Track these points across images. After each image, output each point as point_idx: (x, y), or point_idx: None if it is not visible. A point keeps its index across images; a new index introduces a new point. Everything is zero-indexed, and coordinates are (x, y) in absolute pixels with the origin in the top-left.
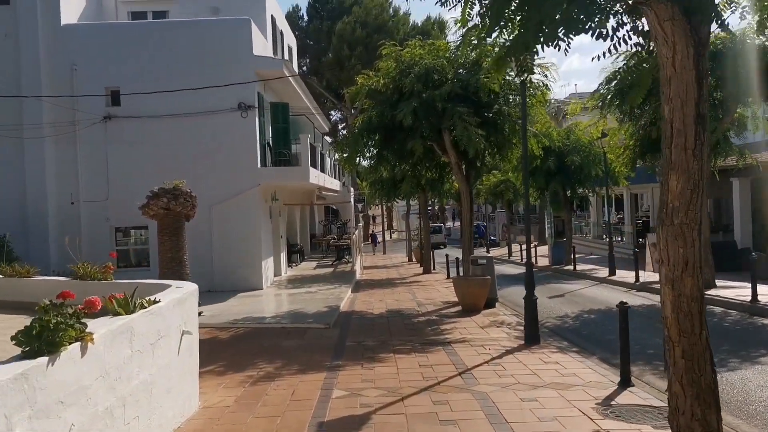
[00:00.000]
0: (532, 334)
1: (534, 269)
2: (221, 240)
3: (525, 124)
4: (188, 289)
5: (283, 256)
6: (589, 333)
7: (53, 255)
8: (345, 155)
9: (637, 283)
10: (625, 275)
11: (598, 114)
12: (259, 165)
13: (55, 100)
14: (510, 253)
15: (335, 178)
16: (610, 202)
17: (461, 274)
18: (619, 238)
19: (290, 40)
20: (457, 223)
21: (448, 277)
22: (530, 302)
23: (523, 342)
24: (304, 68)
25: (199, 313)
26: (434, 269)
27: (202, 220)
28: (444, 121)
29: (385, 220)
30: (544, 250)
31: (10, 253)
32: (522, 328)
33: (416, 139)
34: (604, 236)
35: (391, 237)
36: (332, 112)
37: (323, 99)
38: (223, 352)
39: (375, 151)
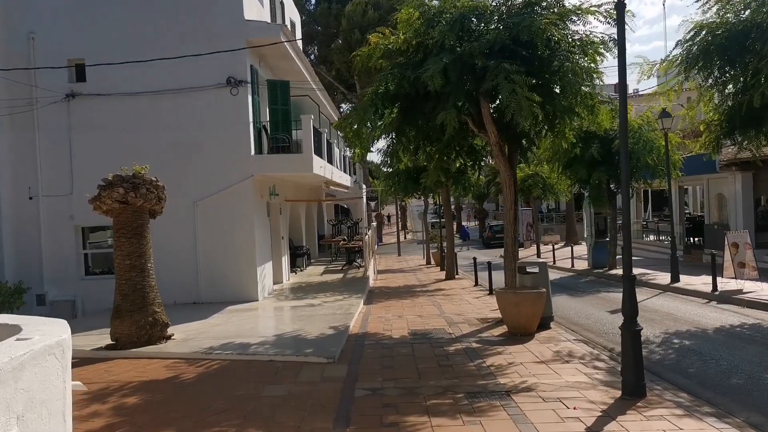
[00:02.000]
0: (635, 383)
1: (571, 273)
2: (208, 242)
3: (624, 69)
4: (39, 344)
5: (285, 261)
6: (699, 371)
7: (9, 261)
8: (352, 128)
9: (716, 293)
10: (692, 282)
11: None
12: (252, 152)
13: (9, 74)
14: (539, 255)
15: (345, 172)
16: (647, 198)
17: (495, 282)
18: (662, 238)
19: (293, 14)
20: (474, 223)
21: (476, 284)
22: (632, 337)
23: (619, 392)
24: (312, 57)
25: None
26: (457, 274)
27: (186, 219)
28: (484, 84)
29: (399, 219)
30: (578, 251)
31: None
32: (601, 362)
33: (448, 109)
34: (645, 236)
35: (405, 237)
36: (342, 105)
37: (333, 91)
38: (174, 409)
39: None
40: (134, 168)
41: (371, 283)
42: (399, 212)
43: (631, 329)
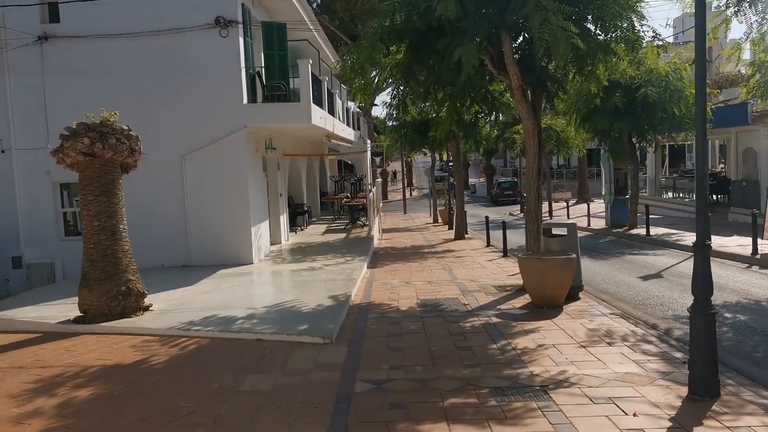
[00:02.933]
0: (708, 380)
1: (588, 233)
2: (198, 200)
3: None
4: None
5: (284, 220)
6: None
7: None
8: (355, 66)
9: (757, 257)
10: (725, 243)
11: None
12: (245, 100)
13: None
14: (551, 213)
15: (349, 126)
16: (662, 152)
17: (510, 242)
18: (681, 195)
19: None
20: (481, 179)
21: (488, 244)
22: (706, 323)
23: (684, 389)
24: (314, 5)
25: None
26: (467, 234)
27: (173, 174)
28: (508, 14)
29: (405, 176)
30: (593, 209)
31: None
32: (649, 345)
33: (466, 44)
34: (664, 193)
35: (411, 195)
36: (346, 57)
37: (336, 42)
38: (130, 408)
39: (396, 75)
40: (102, 115)
41: (376, 243)
42: (404, 168)
43: (705, 312)
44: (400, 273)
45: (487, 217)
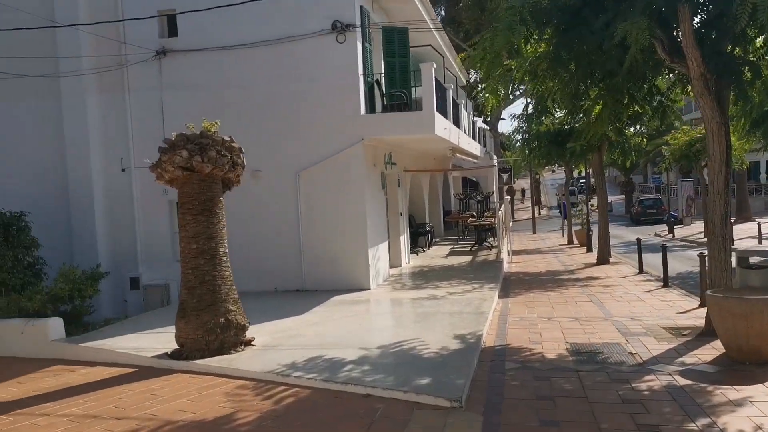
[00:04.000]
0: None
1: None
2: (312, 220)
3: None
4: None
5: (404, 241)
6: None
7: (102, 241)
8: (489, 54)
9: None
10: None
11: None
12: (363, 110)
13: (96, 29)
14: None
15: (475, 140)
16: None
17: (673, 273)
18: None
19: None
20: (618, 196)
21: (641, 271)
22: None
23: None
24: (438, 17)
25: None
26: (611, 258)
27: (287, 192)
28: None
29: (533, 194)
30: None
31: (27, 243)
32: None
33: (634, 19)
34: None
35: (540, 213)
36: (472, 72)
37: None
38: None
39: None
40: (203, 125)
41: (506, 267)
42: (533, 185)
43: None
44: (539, 305)
45: (639, 240)
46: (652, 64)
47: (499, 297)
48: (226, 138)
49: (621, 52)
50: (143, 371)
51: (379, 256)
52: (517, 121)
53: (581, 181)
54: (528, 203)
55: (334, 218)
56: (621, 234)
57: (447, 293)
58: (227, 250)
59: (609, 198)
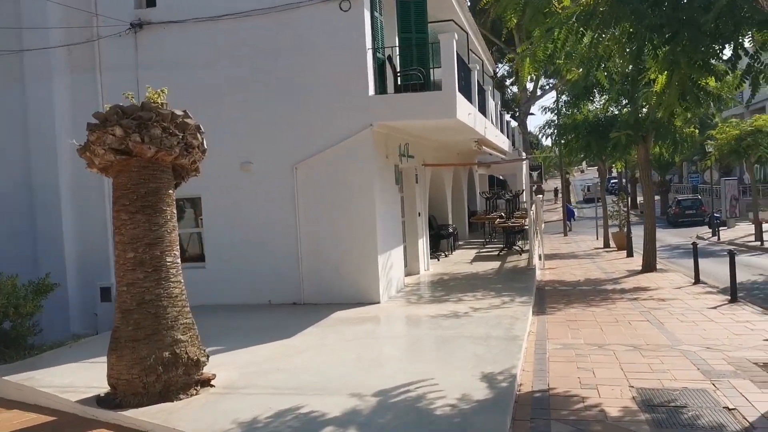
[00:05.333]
0: None
1: None
2: (311, 221)
3: None
4: None
5: (423, 245)
6: None
7: (70, 248)
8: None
9: None
10: None
11: None
12: (371, 91)
13: (65, 0)
14: (761, 238)
15: (503, 134)
16: None
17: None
18: None
19: None
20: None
21: (697, 281)
22: None
23: None
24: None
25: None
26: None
27: (282, 188)
28: None
29: (562, 194)
30: None
31: None
32: None
33: None
34: None
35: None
36: (498, 65)
37: (489, 46)
38: None
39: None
40: (147, 94)
41: (538, 274)
42: (564, 185)
43: None
44: (584, 326)
45: (695, 244)
46: (745, 13)
47: (534, 314)
48: (178, 112)
49: None
50: (61, 422)
51: (391, 264)
52: (549, 113)
53: (612, 181)
54: (558, 203)
55: (338, 218)
56: (660, 237)
57: (471, 309)
58: (178, 260)
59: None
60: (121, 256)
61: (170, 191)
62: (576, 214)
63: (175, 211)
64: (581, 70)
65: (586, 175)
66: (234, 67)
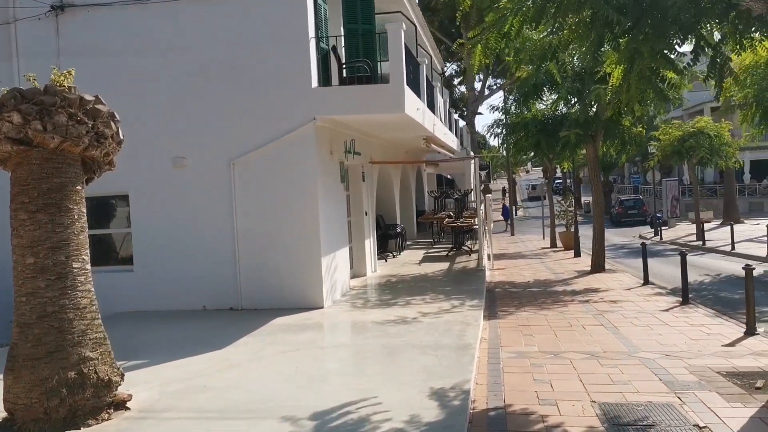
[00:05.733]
0: None
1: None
2: (250, 220)
3: None
4: None
5: (370, 245)
6: None
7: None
8: None
9: None
10: None
11: None
12: (314, 83)
13: None
14: (703, 238)
15: (451, 131)
16: None
17: (667, 276)
18: None
19: None
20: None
21: (647, 281)
22: None
23: None
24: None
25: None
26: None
27: (218, 186)
28: None
29: (508, 194)
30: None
31: None
32: None
33: None
34: None
35: (516, 214)
36: (448, 63)
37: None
38: None
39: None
40: (51, 76)
41: (488, 275)
42: (511, 185)
43: None
44: (537, 331)
45: (644, 245)
46: (706, 4)
47: (485, 318)
48: (88, 97)
49: None
50: None
51: (336, 265)
52: (497, 112)
53: (556, 181)
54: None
55: (279, 218)
56: (605, 236)
57: (420, 314)
58: (88, 266)
59: (584, 198)
60: (19, 261)
61: (78, 187)
62: (513, 213)
63: (84, 210)
64: (531, 67)
65: (530, 176)
66: (166, 56)
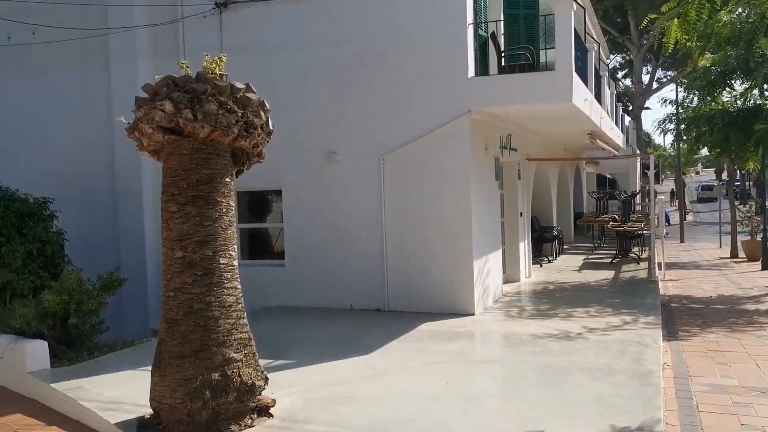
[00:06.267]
0: None
1: None
2: (398, 219)
3: None
4: None
5: (524, 249)
6: None
7: (150, 242)
8: None
9: None
10: None
11: None
12: (471, 72)
13: None
14: None
15: (617, 126)
16: None
17: None
18: None
19: None
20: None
21: None
22: None
23: None
24: None
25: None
26: None
27: (367, 182)
28: None
29: (678, 196)
30: None
31: (44, 237)
32: None
33: None
34: None
35: (685, 219)
36: (612, 55)
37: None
38: None
39: None
40: (204, 63)
41: (661, 286)
42: (679, 187)
43: None
44: (732, 359)
45: None
46: None
47: (664, 338)
48: (239, 85)
49: None
50: None
51: (488, 269)
52: (669, 105)
53: (722, 182)
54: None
55: (429, 216)
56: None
57: (585, 329)
58: (235, 262)
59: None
60: (168, 255)
61: (227, 179)
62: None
63: (232, 204)
64: (715, 54)
65: (700, 177)
66: (319, 49)
